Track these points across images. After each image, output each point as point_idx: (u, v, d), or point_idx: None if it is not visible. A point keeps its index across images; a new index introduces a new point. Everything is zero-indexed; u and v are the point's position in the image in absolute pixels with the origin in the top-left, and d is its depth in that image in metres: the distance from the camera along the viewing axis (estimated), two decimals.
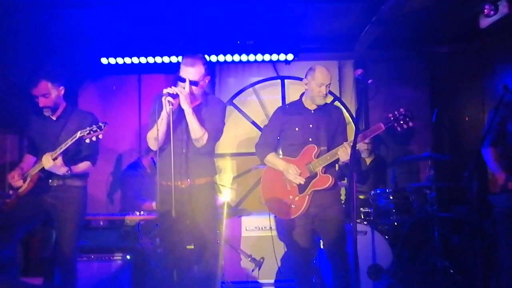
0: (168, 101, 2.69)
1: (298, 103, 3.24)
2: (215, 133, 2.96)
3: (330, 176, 3.03)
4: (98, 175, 4.77)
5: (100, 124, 2.91)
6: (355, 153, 2.63)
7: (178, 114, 2.86)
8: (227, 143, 5.28)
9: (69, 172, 2.98)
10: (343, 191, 4.20)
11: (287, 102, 5.23)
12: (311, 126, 3.13)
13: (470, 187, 2.76)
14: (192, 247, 3.07)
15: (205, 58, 2.95)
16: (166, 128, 2.78)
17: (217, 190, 4.66)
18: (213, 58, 4.87)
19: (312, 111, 3.17)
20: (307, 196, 3.04)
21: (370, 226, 3.76)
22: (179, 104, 2.79)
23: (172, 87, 2.76)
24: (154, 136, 2.82)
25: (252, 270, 3.93)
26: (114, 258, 3.55)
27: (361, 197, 4.29)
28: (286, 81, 5.38)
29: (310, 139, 3.11)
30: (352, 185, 2.51)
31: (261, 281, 3.95)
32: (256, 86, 5.42)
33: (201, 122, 2.87)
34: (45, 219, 3.19)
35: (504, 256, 2.84)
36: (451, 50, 5.04)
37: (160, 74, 5.30)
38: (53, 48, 4.59)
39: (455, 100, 5.13)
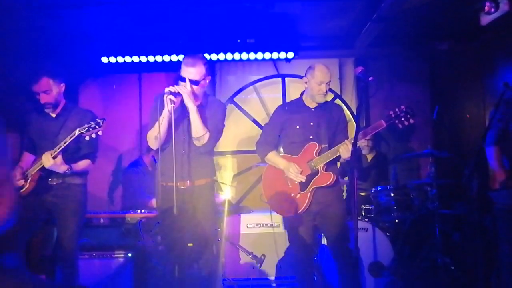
0: (170, 99, 2.70)
1: (299, 101, 3.25)
2: (216, 134, 2.97)
3: (331, 173, 3.03)
4: (99, 174, 4.77)
5: (98, 120, 2.91)
6: (356, 150, 2.64)
7: (180, 114, 2.87)
8: (227, 141, 5.28)
9: (69, 170, 2.98)
10: (344, 188, 4.21)
11: (287, 100, 5.24)
12: (311, 124, 3.14)
13: (471, 184, 2.76)
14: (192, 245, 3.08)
15: (206, 58, 2.97)
16: (167, 126, 2.79)
17: (218, 188, 4.67)
18: (214, 57, 4.88)
19: (313, 109, 3.18)
20: (309, 194, 3.05)
21: (371, 223, 3.77)
22: (181, 103, 2.80)
23: (174, 85, 2.77)
24: (155, 135, 2.83)
25: (253, 267, 3.94)
26: (116, 255, 3.55)
27: (362, 194, 4.30)
28: (286, 79, 5.38)
29: (311, 137, 3.12)
30: (353, 182, 2.52)
31: (262, 278, 3.96)
32: (257, 84, 5.43)
33: (203, 121, 2.88)
34: (47, 218, 3.19)
35: (505, 253, 2.84)
36: (451, 47, 5.03)
37: (160, 73, 5.30)
38: (53, 47, 4.59)
39: (455, 97, 5.13)
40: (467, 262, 3.87)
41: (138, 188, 4.41)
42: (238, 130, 5.36)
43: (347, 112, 5.18)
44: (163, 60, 4.92)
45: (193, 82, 2.85)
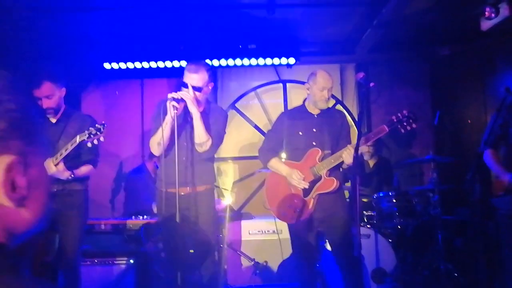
0: (173, 105, 2.71)
1: (301, 108, 3.26)
2: (217, 140, 2.99)
3: (334, 179, 3.03)
4: (101, 180, 4.77)
5: (98, 126, 2.88)
6: (358, 156, 2.64)
7: (182, 120, 2.88)
8: (229, 147, 5.28)
9: (72, 176, 2.97)
10: (346, 194, 4.20)
11: (289, 105, 5.25)
12: (314, 130, 3.14)
13: (473, 190, 2.76)
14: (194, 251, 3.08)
15: (209, 65, 2.98)
16: (170, 133, 2.79)
17: (220, 194, 4.67)
18: (215, 63, 4.89)
19: (316, 116, 3.18)
20: (312, 200, 3.04)
21: (373, 229, 3.76)
22: (183, 110, 2.80)
23: (178, 92, 2.78)
24: (158, 141, 2.84)
25: (255, 274, 3.92)
26: (117, 262, 3.54)
27: (364, 200, 4.28)
28: (288, 84, 5.39)
29: (314, 143, 3.12)
30: (355, 188, 2.51)
31: (264, 284, 3.94)
32: (258, 90, 5.43)
33: (205, 127, 2.89)
34: (49, 224, 3.18)
35: (508, 258, 2.83)
36: (452, 52, 5.04)
37: (163, 79, 5.31)
38: (55, 53, 4.60)
39: (456, 102, 5.13)
40: (470, 268, 3.85)
41: (141, 195, 4.41)
42: (240, 136, 5.36)
43: (348, 118, 5.17)
44: (165, 66, 4.94)
45: (196, 89, 2.86)
